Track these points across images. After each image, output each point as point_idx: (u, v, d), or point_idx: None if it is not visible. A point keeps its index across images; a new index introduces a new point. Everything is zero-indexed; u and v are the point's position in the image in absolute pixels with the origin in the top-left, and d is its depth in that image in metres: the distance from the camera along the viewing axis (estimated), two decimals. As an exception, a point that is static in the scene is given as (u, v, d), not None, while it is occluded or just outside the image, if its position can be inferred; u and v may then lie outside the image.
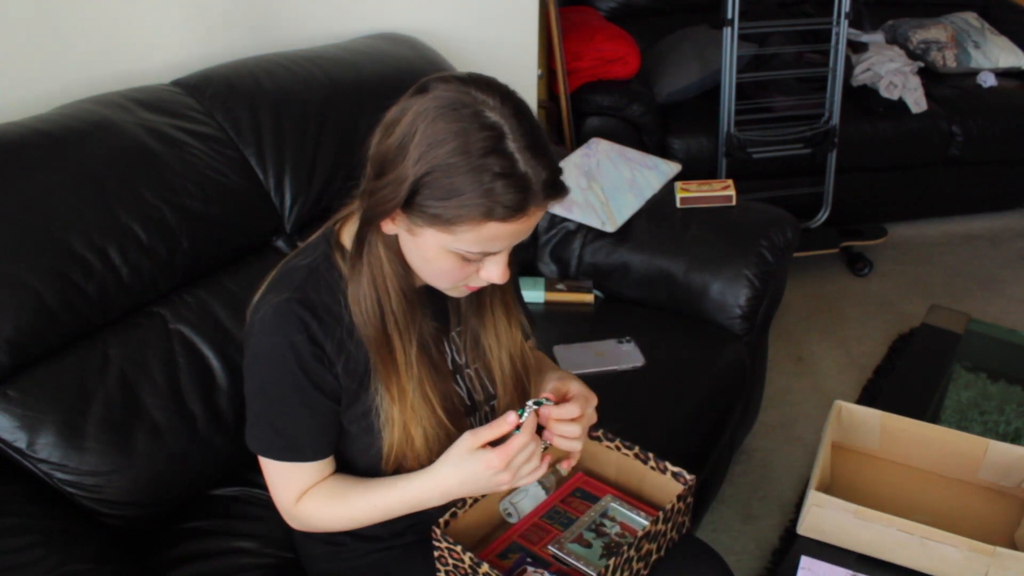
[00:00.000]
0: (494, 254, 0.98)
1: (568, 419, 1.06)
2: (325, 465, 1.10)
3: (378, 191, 0.94)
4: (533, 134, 0.93)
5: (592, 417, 1.12)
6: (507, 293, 1.15)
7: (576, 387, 1.12)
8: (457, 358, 1.15)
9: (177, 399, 1.34)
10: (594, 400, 1.12)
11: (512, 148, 0.90)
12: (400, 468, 1.09)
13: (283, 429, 1.06)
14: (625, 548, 1.05)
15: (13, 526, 1.14)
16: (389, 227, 0.99)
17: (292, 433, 1.06)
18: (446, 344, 1.14)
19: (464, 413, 1.13)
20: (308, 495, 1.10)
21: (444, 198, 0.91)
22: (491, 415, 1.18)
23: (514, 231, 0.94)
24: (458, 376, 1.14)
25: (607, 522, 1.19)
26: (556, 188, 0.95)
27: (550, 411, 1.06)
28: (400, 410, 1.05)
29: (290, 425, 1.05)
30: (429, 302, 1.10)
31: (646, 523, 1.15)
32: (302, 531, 1.18)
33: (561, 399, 1.10)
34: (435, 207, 0.91)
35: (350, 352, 1.04)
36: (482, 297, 1.12)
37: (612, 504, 1.22)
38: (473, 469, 1.01)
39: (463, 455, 1.02)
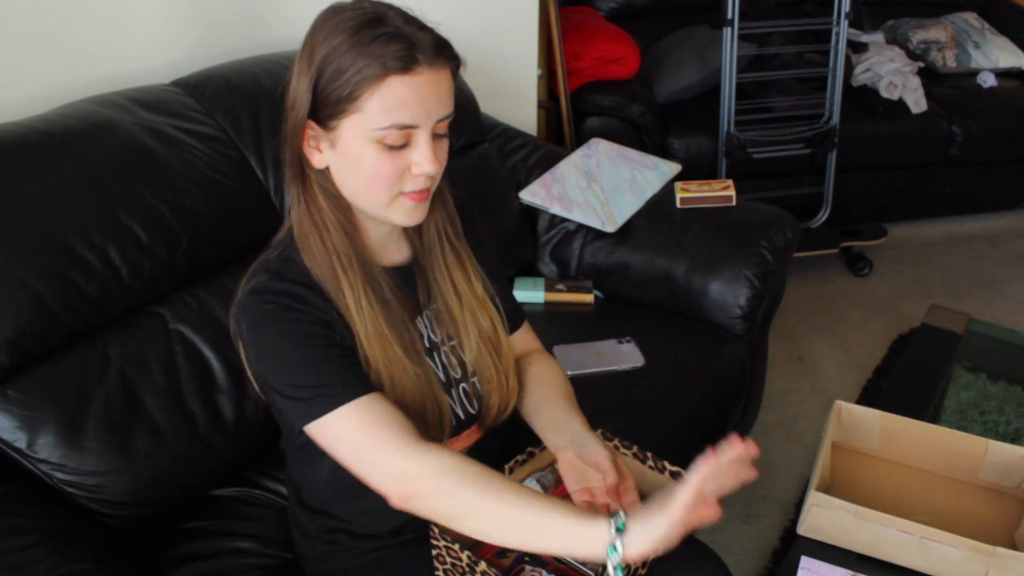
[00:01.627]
0: (412, 131, 0.98)
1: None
2: (384, 399, 1.00)
3: (290, 114, 1.01)
4: (410, 15, 1.00)
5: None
6: (457, 248, 1.16)
7: (604, 460, 1.07)
8: (432, 336, 1.15)
9: (177, 399, 1.34)
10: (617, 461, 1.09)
11: (390, 20, 0.97)
12: None
13: (324, 376, 0.99)
14: (625, 548, 1.05)
15: (13, 526, 1.14)
16: (318, 158, 1.02)
17: (335, 375, 0.99)
18: (420, 322, 1.14)
19: (441, 387, 1.13)
20: (434, 446, 0.97)
21: (339, 76, 0.95)
22: (468, 394, 1.17)
23: (417, 94, 0.96)
24: (434, 353, 1.15)
25: (607, 522, 1.19)
26: (445, 47, 0.99)
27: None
28: (360, 347, 1.04)
29: (327, 368, 0.99)
30: (403, 282, 1.11)
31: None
32: (411, 482, 0.96)
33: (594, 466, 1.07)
34: (335, 89, 0.96)
35: (339, 315, 1.04)
36: (431, 246, 1.14)
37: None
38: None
39: None
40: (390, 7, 1.00)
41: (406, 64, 0.95)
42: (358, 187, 1.02)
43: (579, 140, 2.67)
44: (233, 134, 1.57)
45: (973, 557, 1.16)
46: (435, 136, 1.01)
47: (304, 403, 0.99)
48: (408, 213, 1.05)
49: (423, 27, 0.99)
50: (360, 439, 0.98)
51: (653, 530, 0.86)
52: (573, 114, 2.81)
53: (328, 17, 0.99)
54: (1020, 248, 3.23)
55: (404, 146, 0.99)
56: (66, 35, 1.58)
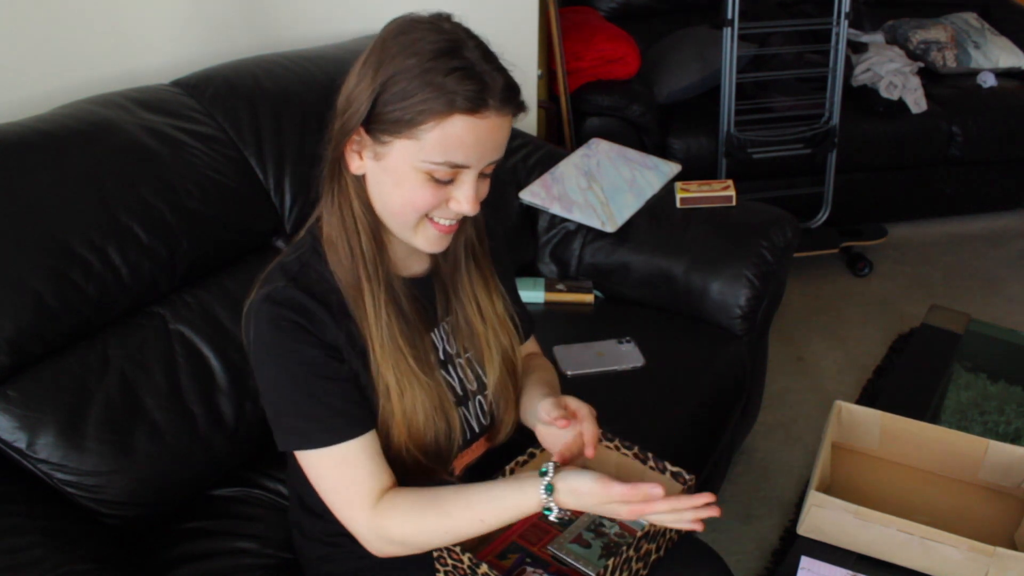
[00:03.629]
0: (462, 170, 0.97)
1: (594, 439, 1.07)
2: (375, 446, 1.03)
3: (341, 117, 0.98)
4: (488, 50, 0.97)
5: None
6: (482, 266, 1.15)
7: (573, 402, 1.10)
8: (448, 348, 1.15)
9: (177, 399, 1.34)
10: (590, 408, 1.11)
11: (468, 54, 0.94)
12: (387, 430, 1.06)
13: (311, 411, 1.00)
14: (624, 548, 1.05)
15: (13, 526, 1.14)
16: (356, 164, 1.01)
17: (322, 412, 1.00)
18: (436, 334, 1.14)
19: (455, 402, 1.13)
20: (388, 498, 1.02)
21: (404, 99, 0.93)
22: (484, 406, 1.18)
23: (477, 137, 0.95)
24: (449, 366, 1.14)
25: (606, 522, 1.19)
26: (515, 94, 0.97)
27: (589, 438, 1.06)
28: (373, 358, 1.04)
29: (316, 404, 1.00)
30: (421, 293, 1.11)
31: (645, 523, 1.15)
32: (381, 546, 1.03)
33: (569, 415, 1.08)
34: (396, 110, 0.94)
35: (350, 329, 1.04)
36: (457, 262, 1.13)
37: (612, 504, 1.22)
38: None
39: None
40: (469, 35, 0.97)
41: (475, 106, 0.93)
42: (391, 205, 1.01)
43: (579, 140, 2.67)
44: (233, 134, 1.57)
45: (973, 557, 1.16)
46: (480, 175, 1.00)
47: (280, 431, 1.02)
48: (432, 241, 1.04)
49: (499, 67, 0.96)
50: (333, 485, 1.02)
51: (580, 500, 0.95)
52: (573, 114, 2.81)
53: (404, 31, 0.96)
54: (1020, 248, 3.23)
55: (449, 182, 0.99)
56: (66, 35, 1.58)
